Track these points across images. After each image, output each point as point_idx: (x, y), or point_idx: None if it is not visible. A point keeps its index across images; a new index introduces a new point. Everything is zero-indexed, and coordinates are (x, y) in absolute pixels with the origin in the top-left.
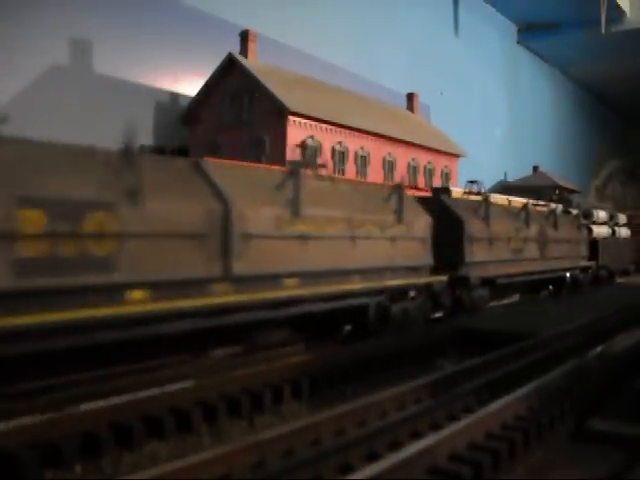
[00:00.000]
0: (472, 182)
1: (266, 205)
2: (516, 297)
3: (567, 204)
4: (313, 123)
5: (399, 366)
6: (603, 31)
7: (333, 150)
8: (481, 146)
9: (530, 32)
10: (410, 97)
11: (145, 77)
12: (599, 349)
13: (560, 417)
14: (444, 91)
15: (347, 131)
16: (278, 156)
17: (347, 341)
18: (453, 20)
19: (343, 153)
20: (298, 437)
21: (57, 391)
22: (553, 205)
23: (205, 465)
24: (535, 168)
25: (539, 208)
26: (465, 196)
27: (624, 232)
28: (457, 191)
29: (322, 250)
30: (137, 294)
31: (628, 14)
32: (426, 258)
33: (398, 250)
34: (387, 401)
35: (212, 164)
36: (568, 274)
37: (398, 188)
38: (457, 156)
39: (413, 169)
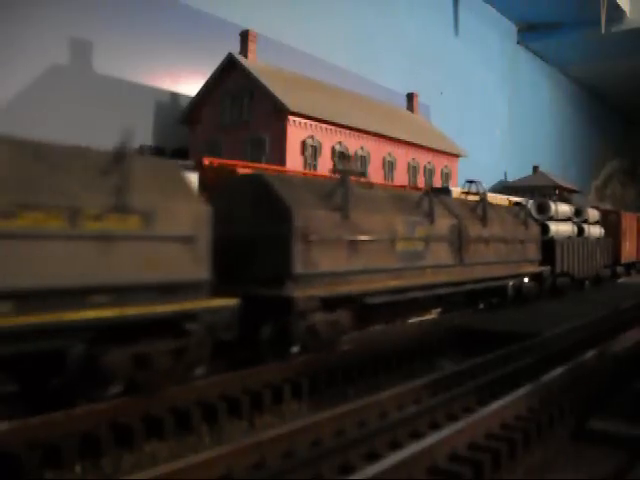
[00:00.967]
0: (471, 182)
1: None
2: (433, 314)
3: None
4: (313, 123)
5: (399, 366)
6: (603, 31)
7: (333, 150)
8: (481, 146)
9: (530, 32)
10: (410, 97)
11: (145, 77)
12: (599, 349)
13: (560, 417)
14: (444, 91)
15: (347, 131)
16: (278, 156)
17: None
18: (453, 20)
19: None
20: (298, 437)
21: None
22: (503, 197)
23: (205, 465)
24: (535, 168)
25: (470, 197)
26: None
27: (595, 231)
28: (457, 191)
29: None
30: None
31: (628, 14)
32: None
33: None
34: (387, 401)
35: None
36: (511, 283)
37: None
38: (457, 156)
39: (413, 169)
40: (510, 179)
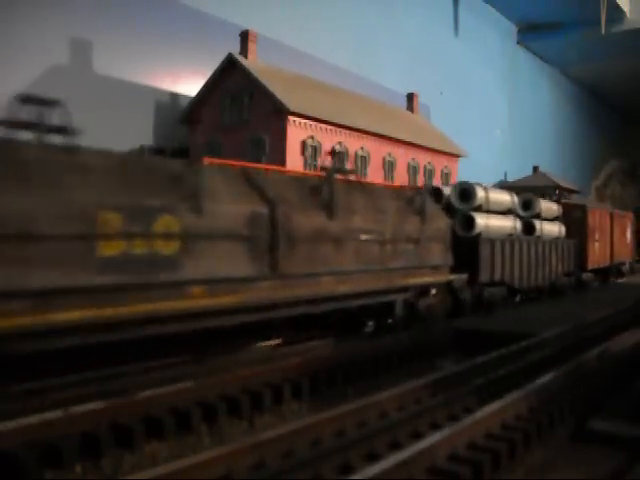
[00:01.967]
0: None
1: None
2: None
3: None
4: (313, 123)
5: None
6: (603, 31)
7: (333, 150)
8: (481, 146)
9: (530, 32)
10: (410, 97)
11: (145, 77)
12: (599, 349)
13: (560, 417)
14: (444, 91)
15: (347, 131)
16: (278, 156)
17: None
18: (453, 20)
19: (343, 153)
20: (298, 437)
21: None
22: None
23: (205, 465)
24: (535, 168)
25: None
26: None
27: (553, 229)
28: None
29: None
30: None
31: (628, 14)
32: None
33: None
34: (387, 401)
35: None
36: (399, 299)
37: None
38: (457, 156)
39: (413, 169)
40: (510, 179)
